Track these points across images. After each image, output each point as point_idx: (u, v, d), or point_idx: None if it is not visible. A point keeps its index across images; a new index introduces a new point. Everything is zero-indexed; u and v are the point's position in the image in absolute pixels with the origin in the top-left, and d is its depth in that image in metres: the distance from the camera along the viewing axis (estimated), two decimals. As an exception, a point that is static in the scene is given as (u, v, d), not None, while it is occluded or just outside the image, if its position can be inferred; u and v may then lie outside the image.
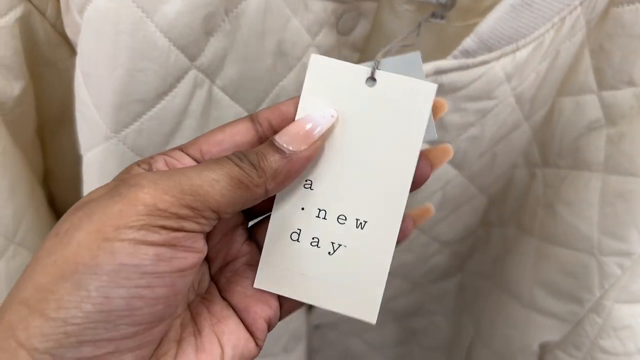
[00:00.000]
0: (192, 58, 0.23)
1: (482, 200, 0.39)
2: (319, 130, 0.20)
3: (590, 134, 0.32)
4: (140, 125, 0.24)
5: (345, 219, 0.21)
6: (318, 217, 0.21)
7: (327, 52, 0.28)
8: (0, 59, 0.24)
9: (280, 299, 0.22)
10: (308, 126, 0.19)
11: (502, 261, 0.40)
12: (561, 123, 0.33)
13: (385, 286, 0.44)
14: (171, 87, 0.23)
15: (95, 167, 0.26)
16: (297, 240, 0.21)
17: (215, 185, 0.18)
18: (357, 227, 0.21)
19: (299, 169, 0.19)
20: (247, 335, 0.21)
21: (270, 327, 0.21)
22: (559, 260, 0.34)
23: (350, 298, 0.21)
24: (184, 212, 0.17)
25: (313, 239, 0.21)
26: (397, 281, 0.44)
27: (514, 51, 0.26)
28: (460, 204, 0.37)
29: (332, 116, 0.20)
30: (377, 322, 0.47)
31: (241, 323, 0.21)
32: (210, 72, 0.24)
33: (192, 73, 0.24)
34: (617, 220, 0.31)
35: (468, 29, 0.26)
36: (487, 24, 0.24)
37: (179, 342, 0.19)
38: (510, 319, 0.38)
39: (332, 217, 0.21)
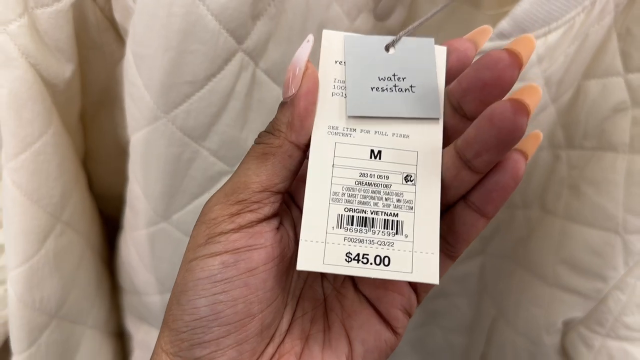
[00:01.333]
0: (239, 41, 0.24)
1: None
2: (301, 61, 0.20)
3: (616, 116, 0.33)
4: (189, 106, 0.25)
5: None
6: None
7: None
8: (55, 42, 0.25)
9: (411, 282, 0.22)
10: (293, 66, 0.19)
11: (526, 242, 0.41)
12: (587, 105, 0.34)
13: None
14: (219, 69, 0.24)
15: (143, 148, 0.27)
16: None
17: (247, 171, 0.20)
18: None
19: (307, 106, 0.20)
20: (382, 326, 0.21)
21: (409, 314, 0.22)
22: (584, 239, 0.35)
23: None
24: (235, 208, 0.19)
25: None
26: None
27: (545, 34, 0.27)
28: None
29: (308, 41, 0.20)
30: None
31: (375, 315, 0.21)
32: (255, 55, 0.25)
33: (239, 55, 0.25)
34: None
35: (499, 17, 0.27)
36: (522, 7, 0.25)
37: (307, 338, 0.21)
38: (535, 298, 0.39)
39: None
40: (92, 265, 0.36)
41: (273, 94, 0.27)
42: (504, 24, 0.26)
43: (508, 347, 0.44)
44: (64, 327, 0.34)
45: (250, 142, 0.28)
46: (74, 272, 0.33)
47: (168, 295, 0.35)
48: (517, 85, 0.28)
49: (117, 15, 0.26)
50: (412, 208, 0.20)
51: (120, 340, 0.45)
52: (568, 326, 0.38)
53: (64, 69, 0.26)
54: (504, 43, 0.26)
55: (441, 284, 0.52)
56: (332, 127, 0.20)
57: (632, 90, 0.31)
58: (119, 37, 0.28)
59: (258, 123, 0.28)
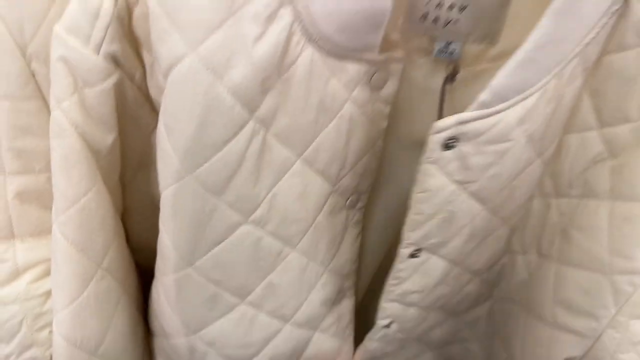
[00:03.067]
0: (251, 111, 0.29)
1: (505, 231, 0.42)
2: None
3: (596, 166, 0.36)
4: (210, 166, 0.30)
5: None
6: None
7: (362, 106, 0.33)
8: (99, 116, 0.30)
9: None
10: None
11: (526, 285, 0.43)
12: (569, 157, 0.37)
13: (423, 319, 0.47)
14: (235, 134, 0.29)
15: (171, 202, 0.31)
16: None
17: None
18: None
19: None
20: None
21: None
22: (576, 280, 0.37)
23: None
24: None
25: None
26: (433, 314, 0.48)
27: (523, 99, 0.31)
28: (486, 235, 0.41)
29: None
30: (415, 352, 0.49)
31: None
32: (266, 123, 0.30)
33: (251, 123, 0.29)
34: (624, 241, 0.34)
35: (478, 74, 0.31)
36: (499, 80, 0.29)
37: None
38: (537, 339, 0.41)
39: None
40: (127, 311, 0.40)
41: (281, 156, 0.31)
42: (484, 96, 0.30)
43: None
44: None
45: (263, 196, 0.33)
46: (111, 315, 0.37)
47: (192, 338, 0.38)
48: (502, 146, 0.32)
49: (152, 92, 0.31)
50: None
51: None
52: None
53: (107, 138, 0.31)
54: (486, 112, 0.30)
55: (454, 330, 0.54)
56: None
57: (607, 143, 0.35)
58: (153, 110, 0.33)
59: (269, 180, 0.32)
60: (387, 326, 0.44)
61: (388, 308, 0.41)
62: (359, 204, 0.40)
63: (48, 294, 0.37)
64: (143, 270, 0.44)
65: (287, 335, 0.39)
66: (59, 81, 0.28)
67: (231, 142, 0.29)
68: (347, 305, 0.45)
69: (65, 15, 0.28)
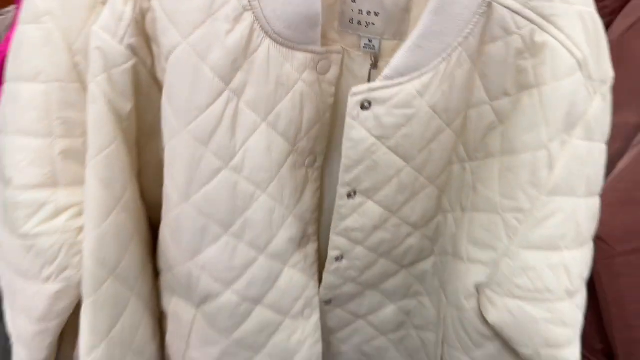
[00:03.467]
0: (226, 83, 0.41)
1: (434, 191, 0.54)
2: None
3: (491, 133, 0.47)
4: (198, 123, 0.42)
5: None
6: None
7: (311, 85, 0.46)
8: (122, 89, 0.43)
9: None
10: None
11: (454, 237, 0.54)
12: (473, 127, 0.48)
13: (374, 265, 0.58)
14: (214, 100, 0.41)
15: (171, 153, 0.44)
16: None
17: None
18: None
19: None
20: None
21: None
22: (480, 222, 0.49)
23: None
24: None
25: None
26: (383, 260, 0.59)
27: (419, 76, 0.43)
28: (416, 191, 0.53)
29: None
30: (377, 302, 0.61)
31: None
32: (237, 93, 0.42)
33: (226, 93, 0.42)
34: (509, 187, 0.46)
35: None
36: (395, 60, 0.41)
37: None
38: (457, 274, 0.52)
39: None
40: (139, 247, 0.52)
41: (250, 118, 0.44)
42: (387, 71, 0.42)
43: (448, 320, 0.56)
44: (117, 286, 0.49)
45: (238, 148, 0.45)
46: (127, 244, 0.49)
47: (189, 264, 0.50)
48: (406, 111, 0.44)
49: (159, 74, 0.44)
50: None
51: (159, 325, 0.60)
52: (479, 290, 0.50)
53: (126, 106, 0.44)
54: (389, 83, 0.42)
55: (408, 283, 0.64)
56: None
57: (497, 114, 0.46)
58: (159, 91, 0.46)
59: (242, 136, 0.44)
60: (339, 260, 0.55)
61: (335, 240, 0.53)
62: (316, 164, 0.52)
63: (80, 229, 0.49)
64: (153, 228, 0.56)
65: (262, 264, 0.51)
66: (94, 63, 0.41)
67: (212, 106, 0.42)
68: (311, 248, 0.56)
69: (100, 19, 0.41)
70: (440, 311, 0.61)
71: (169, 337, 0.59)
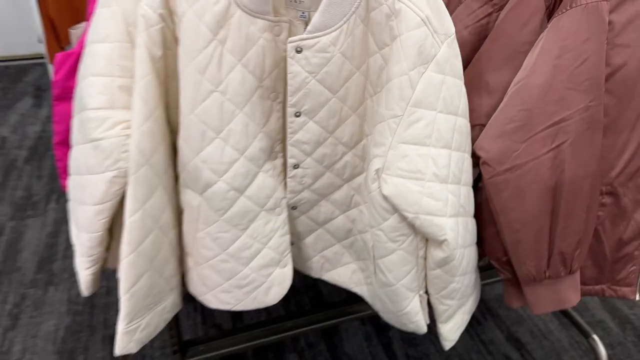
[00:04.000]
0: (214, 35, 0.71)
1: (356, 118, 0.81)
2: None
3: (382, 72, 0.75)
4: (198, 60, 0.71)
5: None
6: None
7: (270, 41, 0.75)
8: (155, 40, 0.72)
9: None
10: None
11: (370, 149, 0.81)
12: (372, 70, 0.76)
13: (322, 176, 0.87)
14: (207, 45, 0.71)
15: (183, 81, 0.73)
16: None
17: None
18: None
19: None
20: None
21: None
22: (377, 129, 0.75)
23: None
24: None
25: None
26: (328, 173, 0.86)
27: (330, 32, 0.71)
28: (343, 118, 0.80)
29: None
30: (331, 214, 0.88)
31: None
32: (222, 42, 0.71)
33: (215, 41, 0.71)
34: (388, 101, 0.73)
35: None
36: (313, 20, 0.70)
37: None
38: (369, 169, 0.79)
39: None
40: (164, 152, 0.80)
41: (230, 60, 0.73)
42: (309, 27, 0.70)
43: (368, 209, 0.82)
44: (149, 172, 0.78)
45: (223, 78, 0.74)
46: (157, 144, 0.77)
47: (195, 159, 0.78)
48: (325, 55, 0.72)
49: (177, 33, 0.74)
50: None
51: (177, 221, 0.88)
52: (378, 175, 0.76)
53: (158, 52, 0.73)
54: (311, 35, 0.70)
55: (350, 195, 0.92)
56: None
57: (383, 58, 0.74)
58: (177, 44, 0.76)
59: (225, 71, 0.73)
60: (296, 167, 0.82)
61: (291, 150, 0.80)
62: (278, 99, 0.80)
63: (128, 135, 0.78)
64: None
65: (242, 163, 0.79)
66: (140, 25, 0.71)
67: (206, 49, 0.71)
68: (278, 162, 0.84)
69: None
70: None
71: (185, 226, 0.87)
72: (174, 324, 1.14)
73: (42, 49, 3.45)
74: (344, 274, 0.96)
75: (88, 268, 0.90)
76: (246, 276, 0.87)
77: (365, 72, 0.77)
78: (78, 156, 0.82)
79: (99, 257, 0.88)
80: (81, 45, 1.19)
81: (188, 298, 1.00)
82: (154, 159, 0.77)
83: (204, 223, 0.83)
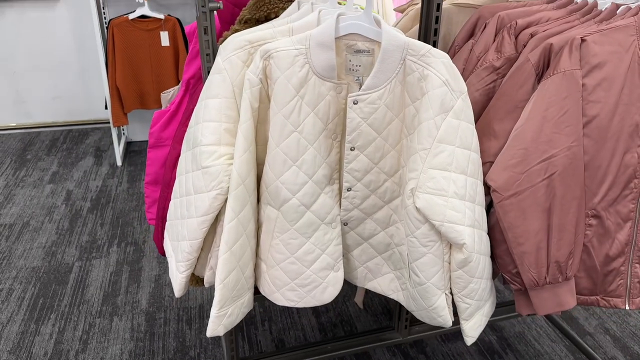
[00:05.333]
0: (297, 92, 1.00)
1: (395, 153, 1.09)
2: None
3: (413, 119, 1.03)
4: (285, 108, 1.01)
5: None
6: None
7: (334, 97, 1.04)
8: (255, 96, 1.02)
9: None
10: None
11: (405, 176, 1.08)
12: (406, 117, 1.04)
13: (368, 198, 1.16)
14: (291, 99, 1.01)
15: (273, 125, 1.03)
16: None
17: None
18: None
19: None
20: None
21: None
22: (411, 159, 1.03)
23: None
24: None
25: None
26: (373, 196, 1.13)
27: (378, 90, 1.01)
28: (385, 152, 1.08)
29: None
30: (374, 230, 1.17)
31: None
32: (301, 96, 1.01)
33: (297, 97, 1.01)
34: (420, 138, 1.00)
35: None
36: (366, 83, 1.00)
37: None
38: (405, 189, 1.05)
39: None
40: (254, 177, 1.09)
41: (306, 110, 1.02)
42: (363, 87, 1.00)
43: (404, 221, 1.08)
44: (243, 191, 1.06)
45: (300, 122, 1.04)
46: (250, 170, 1.05)
47: (276, 182, 1.06)
48: (373, 106, 1.02)
49: (269, 93, 1.04)
50: None
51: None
52: (412, 192, 1.02)
53: (256, 104, 1.03)
54: (366, 92, 1.00)
55: (388, 215, 1.21)
56: None
57: (415, 108, 1.02)
58: (269, 101, 1.06)
59: (302, 119, 1.02)
60: (349, 190, 1.10)
61: (345, 176, 1.08)
62: (337, 139, 1.09)
63: (230, 164, 1.06)
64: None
65: (310, 185, 1.07)
66: (245, 85, 1.01)
67: (291, 101, 1.01)
68: (335, 186, 1.11)
69: (250, 67, 1.02)
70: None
71: (262, 236, 1.14)
72: (234, 345, 1.38)
73: (102, 115, 3.89)
74: (383, 283, 1.21)
75: (184, 271, 1.16)
76: (308, 276, 1.12)
77: (402, 118, 1.05)
78: (187, 182, 1.11)
79: (193, 262, 1.15)
80: (174, 104, 1.52)
81: (236, 332, 1.25)
82: (247, 181, 1.06)
83: (279, 232, 1.10)
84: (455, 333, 1.99)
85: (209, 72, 1.18)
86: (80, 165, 3.39)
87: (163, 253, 1.54)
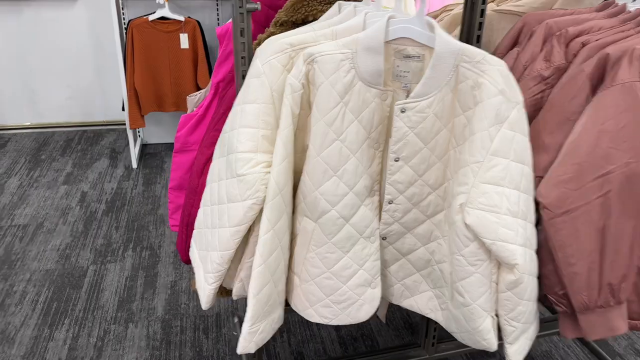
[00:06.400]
0: (341, 98, 0.95)
1: (441, 165, 1.03)
2: None
3: (464, 128, 0.97)
4: (328, 115, 0.95)
5: None
6: None
7: (379, 104, 0.99)
8: (296, 102, 0.96)
9: None
10: None
11: (452, 189, 1.02)
12: (456, 127, 0.98)
13: (410, 211, 1.10)
14: (335, 105, 0.95)
15: (315, 132, 0.97)
16: None
17: None
18: None
19: None
20: None
21: None
22: (461, 172, 0.97)
23: None
24: None
25: None
26: (415, 209, 1.07)
27: (427, 98, 0.95)
28: (431, 164, 1.02)
29: None
30: (413, 245, 1.11)
31: None
32: (345, 103, 0.96)
33: (341, 104, 0.95)
34: (472, 150, 0.94)
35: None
36: (415, 90, 0.94)
37: None
38: (451, 208, 0.99)
39: None
40: (291, 186, 1.03)
41: (350, 117, 0.96)
42: (412, 95, 0.94)
43: (450, 238, 1.01)
44: (280, 201, 1.00)
45: (343, 130, 0.98)
46: (287, 179, 1.00)
47: (315, 192, 1.01)
48: (422, 114, 0.96)
49: (311, 98, 0.98)
50: None
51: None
52: (461, 208, 0.96)
53: (297, 110, 0.97)
54: (414, 100, 0.94)
55: (430, 230, 1.16)
56: None
57: (467, 119, 0.96)
58: (310, 107, 1.00)
59: (345, 126, 0.97)
60: (390, 203, 1.03)
61: (387, 188, 1.02)
62: (380, 148, 1.03)
63: (267, 172, 1.01)
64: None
65: (350, 197, 1.01)
66: (287, 90, 0.96)
67: (334, 108, 0.95)
68: (375, 199, 1.05)
69: (292, 71, 0.96)
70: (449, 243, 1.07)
71: (297, 249, 1.08)
72: (254, 357, 1.32)
73: (117, 116, 3.86)
74: (421, 301, 1.14)
75: (213, 283, 1.11)
76: (344, 293, 1.06)
77: (451, 128, 1.00)
78: (220, 189, 1.05)
79: (224, 274, 1.09)
80: (202, 108, 1.47)
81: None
82: (284, 191, 1.00)
83: (315, 245, 1.04)
84: (480, 352, 1.92)
85: (243, 76, 1.13)
86: (95, 167, 3.35)
87: (186, 261, 1.49)
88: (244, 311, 1.04)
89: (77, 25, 3.63)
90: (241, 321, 1.89)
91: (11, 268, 2.40)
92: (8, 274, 2.36)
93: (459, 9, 1.60)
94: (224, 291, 1.24)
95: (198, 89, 3.22)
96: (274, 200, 0.98)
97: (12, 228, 2.69)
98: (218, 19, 3.37)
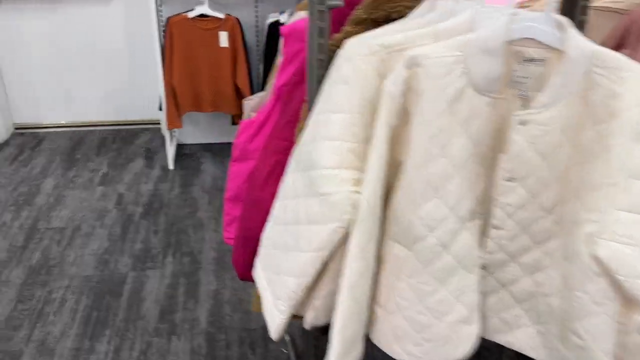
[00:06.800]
0: (450, 107, 0.81)
1: (559, 186, 0.88)
2: None
3: (594, 144, 0.82)
4: (432, 125, 0.82)
5: None
6: None
7: (490, 112, 0.85)
8: (394, 112, 0.83)
9: None
10: None
11: (574, 213, 0.87)
12: (583, 142, 0.84)
13: (518, 237, 0.93)
14: (440, 117, 0.82)
15: (415, 144, 0.84)
16: None
17: None
18: None
19: None
20: None
21: None
22: (590, 195, 0.82)
23: None
24: None
25: None
26: (524, 235, 0.92)
27: (553, 108, 0.80)
28: (548, 184, 0.87)
29: None
30: (517, 275, 0.93)
31: None
32: (453, 114, 0.82)
33: (448, 113, 0.82)
34: (606, 170, 0.80)
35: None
36: (538, 98, 0.80)
37: None
38: (578, 232, 0.85)
39: None
40: (382, 206, 0.90)
41: (457, 130, 0.83)
42: (534, 103, 0.80)
43: (571, 272, 0.87)
44: (370, 223, 0.87)
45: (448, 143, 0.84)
46: (379, 197, 0.87)
47: (412, 216, 0.87)
48: (545, 127, 0.81)
49: (408, 107, 0.85)
50: None
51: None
52: (590, 238, 0.81)
53: (394, 121, 0.84)
54: (534, 111, 0.80)
55: (539, 259, 0.99)
56: None
57: (598, 133, 0.82)
58: (407, 115, 0.87)
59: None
60: (497, 228, 0.89)
61: (495, 211, 0.88)
62: (487, 165, 0.88)
63: (354, 192, 0.87)
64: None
65: (452, 221, 0.87)
66: (384, 98, 0.83)
67: (440, 118, 0.81)
68: (478, 222, 0.91)
69: (390, 78, 0.83)
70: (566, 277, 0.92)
71: (383, 275, 0.95)
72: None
73: (152, 115, 3.78)
74: (521, 338, 1.00)
75: (285, 311, 0.98)
76: (438, 330, 0.92)
77: (576, 144, 0.85)
78: (297, 208, 0.93)
79: (298, 302, 0.97)
80: (263, 114, 1.35)
81: None
82: (376, 213, 0.87)
83: (408, 274, 0.91)
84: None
85: (319, 81, 1.00)
86: (131, 167, 3.27)
87: (245, 279, 1.37)
88: (296, 327, 0.91)
89: (113, 23, 3.55)
90: (293, 340, 1.75)
91: (49, 274, 2.32)
92: (46, 280, 2.28)
93: (538, 5, 1.44)
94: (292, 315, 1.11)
95: (236, 88, 3.11)
96: (366, 224, 0.85)
97: (49, 231, 2.62)
98: (257, 17, 3.25)
